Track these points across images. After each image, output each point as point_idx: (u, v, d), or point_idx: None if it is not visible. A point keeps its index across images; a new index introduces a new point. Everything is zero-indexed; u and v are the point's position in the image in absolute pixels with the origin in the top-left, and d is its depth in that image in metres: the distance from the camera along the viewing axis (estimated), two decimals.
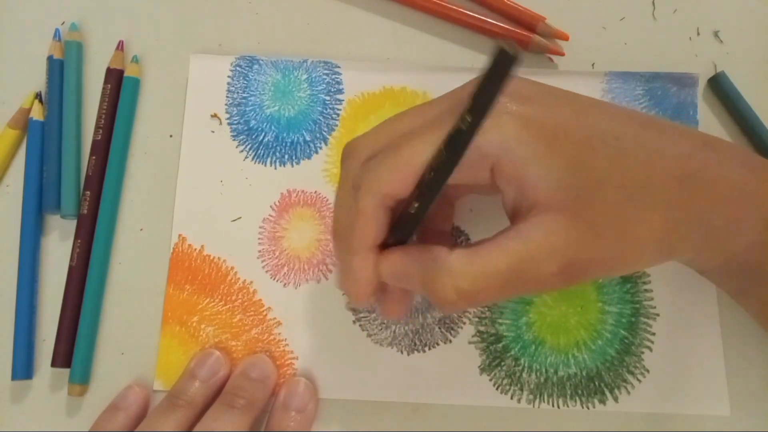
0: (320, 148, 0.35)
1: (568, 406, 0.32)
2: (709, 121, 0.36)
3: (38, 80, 0.36)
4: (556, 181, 0.25)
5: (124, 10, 0.38)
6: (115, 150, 0.35)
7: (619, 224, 0.25)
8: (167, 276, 0.34)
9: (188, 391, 0.31)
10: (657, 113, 0.35)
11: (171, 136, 0.36)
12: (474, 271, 0.25)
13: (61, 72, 0.36)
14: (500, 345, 0.32)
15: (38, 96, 0.36)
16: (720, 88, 0.36)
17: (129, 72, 0.36)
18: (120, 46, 0.37)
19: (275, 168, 0.35)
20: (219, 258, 0.34)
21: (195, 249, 0.34)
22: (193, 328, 0.33)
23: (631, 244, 0.26)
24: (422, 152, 0.25)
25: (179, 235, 0.34)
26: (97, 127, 0.35)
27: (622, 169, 0.25)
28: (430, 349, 0.32)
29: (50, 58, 0.36)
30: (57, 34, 0.37)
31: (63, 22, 0.37)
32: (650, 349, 0.32)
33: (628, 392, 0.32)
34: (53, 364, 0.32)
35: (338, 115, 0.36)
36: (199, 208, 0.34)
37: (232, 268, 0.34)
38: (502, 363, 0.32)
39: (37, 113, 0.35)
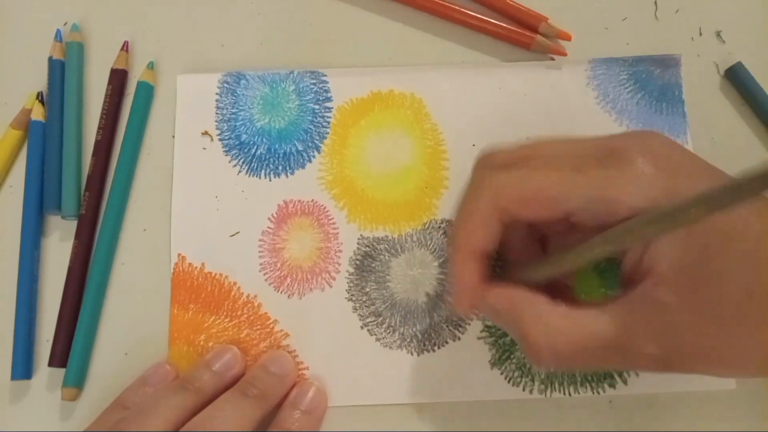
0: (313, 156, 0.35)
1: (579, 393, 0.32)
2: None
3: (42, 81, 0.37)
4: (680, 258, 0.24)
5: (126, 11, 0.38)
6: (124, 154, 0.35)
7: (734, 324, 0.24)
8: (170, 287, 0.33)
9: (200, 378, 0.30)
10: (643, 96, 0.36)
11: (173, 136, 0.36)
12: (573, 333, 0.24)
13: (62, 73, 0.36)
14: (509, 338, 0.33)
15: (39, 96, 0.36)
16: (737, 78, 0.36)
17: (144, 77, 0.36)
18: (125, 47, 0.37)
19: (270, 180, 0.35)
20: (221, 274, 0.34)
21: (195, 267, 0.34)
22: (201, 347, 0.33)
23: (740, 347, 0.24)
24: (555, 184, 0.25)
25: (178, 255, 0.34)
26: (98, 128, 0.35)
27: (753, 269, 0.23)
28: (439, 348, 0.33)
29: (51, 59, 0.36)
30: (58, 35, 0.37)
31: (65, 23, 0.37)
32: None
33: (636, 374, 0.32)
34: (50, 363, 0.32)
35: (328, 123, 0.36)
36: (197, 226, 0.34)
37: (235, 283, 0.34)
38: (512, 356, 0.32)
39: (37, 114, 0.35)
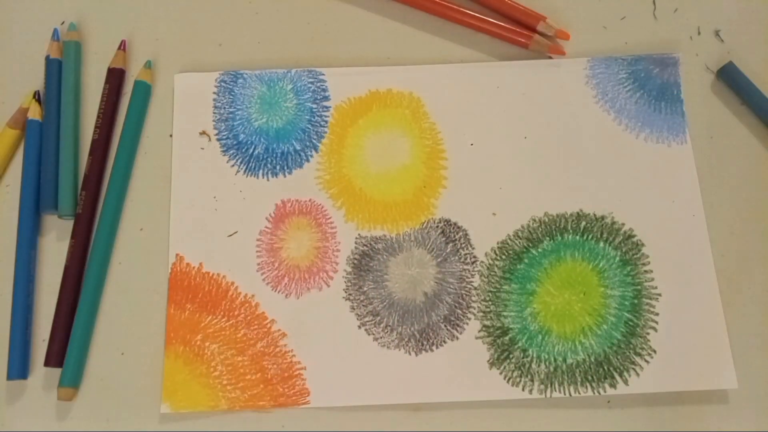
0: (311, 156, 0.35)
1: (579, 393, 0.32)
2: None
3: (39, 80, 0.37)
4: None
5: (124, 11, 0.38)
6: (121, 152, 0.35)
7: None
8: (167, 287, 0.33)
9: None
10: (642, 95, 0.36)
11: (171, 135, 0.36)
12: None
13: (60, 72, 0.36)
14: (507, 338, 0.33)
15: (36, 95, 0.36)
16: (730, 78, 0.36)
17: (141, 77, 0.36)
18: (122, 46, 0.37)
19: (268, 179, 0.35)
20: (218, 274, 0.34)
21: (193, 267, 0.34)
22: (198, 347, 0.33)
23: None
24: None
25: (176, 255, 0.34)
26: (95, 127, 0.35)
27: None
28: (437, 347, 0.32)
29: (48, 58, 0.36)
30: (55, 34, 0.37)
31: (62, 22, 0.37)
32: (655, 330, 0.32)
33: (637, 374, 0.32)
34: (46, 363, 0.32)
35: (326, 122, 0.36)
36: (195, 226, 0.34)
37: (232, 283, 0.33)
38: (511, 355, 0.32)
39: (34, 113, 0.35)
